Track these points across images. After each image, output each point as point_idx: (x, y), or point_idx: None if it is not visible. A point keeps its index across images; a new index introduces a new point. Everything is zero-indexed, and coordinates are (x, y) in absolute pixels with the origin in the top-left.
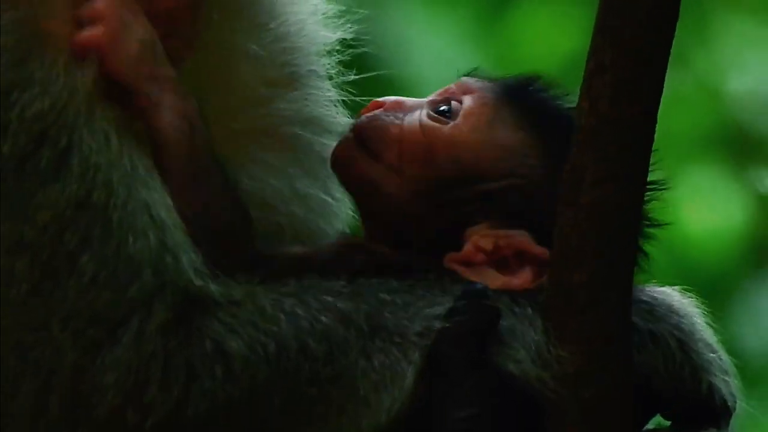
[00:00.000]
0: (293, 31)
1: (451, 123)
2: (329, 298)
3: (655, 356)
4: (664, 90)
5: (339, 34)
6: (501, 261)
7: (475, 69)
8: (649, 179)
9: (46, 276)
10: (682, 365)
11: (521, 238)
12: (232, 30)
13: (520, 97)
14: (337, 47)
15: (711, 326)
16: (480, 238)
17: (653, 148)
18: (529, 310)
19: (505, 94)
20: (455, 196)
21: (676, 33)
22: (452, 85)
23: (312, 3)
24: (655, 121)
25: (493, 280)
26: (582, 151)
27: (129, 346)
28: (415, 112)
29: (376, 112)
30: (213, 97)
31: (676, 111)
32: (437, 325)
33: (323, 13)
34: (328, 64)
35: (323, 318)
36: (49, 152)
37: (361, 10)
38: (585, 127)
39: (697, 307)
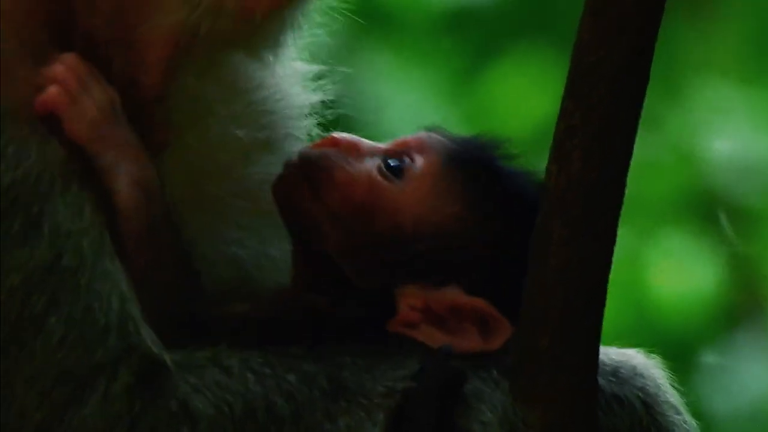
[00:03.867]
0: (270, 95)
1: (398, 183)
2: (290, 360)
3: (621, 419)
4: (637, 153)
5: (317, 97)
6: (439, 320)
7: (440, 125)
8: (617, 242)
9: (13, 338)
10: (648, 428)
11: (451, 293)
12: (208, 94)
13: (472, 161)
14: (315, 109)
15: (676, 388)
16: (411, 298)
17: (622, 211)
18: (495, 372)
19: (457, 157)
20: (388, 256)
21: (648, 96)
22: (410, 138)
23: (289, 65)
24: (624, 184)
25: (438, 340)
26: (550, 212)
27: (95, 407)
28: (367, 161)
29: (330, 150)
30: (188, 160)
31: (648, 174)
32: (401, 386)
33: (301, 75)
34: (306, 126)
35: (289, 377)
36: (22, 218)
37: (339, 71)
38: (554, 189)
39: (661, 369)
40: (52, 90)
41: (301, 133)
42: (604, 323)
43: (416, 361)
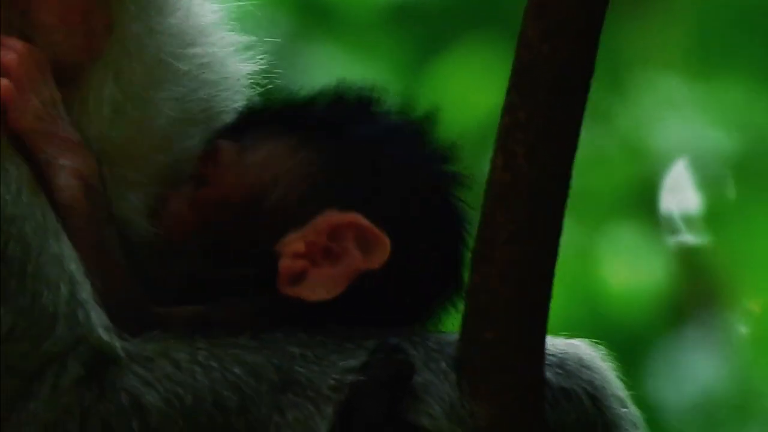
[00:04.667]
0: (206, 65)
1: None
2: (238, 351)
3: (568, 412)
4: (584, 147)
5: (252, 69)
6: (324, 254)
7: None
8: (563, 236)
9: None
10: (595, 421)
11: (323, 219)
12: (142, 63)
13: (258, 120)
14: (252, 84)
15: (622, 380)
16: (292, 246)
17: (570, 204)
18: (443, 365)
19: (241, 126)
20: (255, 221)
21: (594, 90)
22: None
23: (224, 38)
24: (569, 178)
25: (330, 278)
26: (495, 207)
27: (45, 400)
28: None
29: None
30: (125, 133)
31: (595, 168)
32: (351, 378)
33: (235, 48)
34: (242, 100)
35: (235, 370)
36: None
37: (277, 44)
38: (499, 184)
39: (607, 360)
40: (4, 80)
41: (237, 107)
42: (553, 316)
43: (366, 352)
